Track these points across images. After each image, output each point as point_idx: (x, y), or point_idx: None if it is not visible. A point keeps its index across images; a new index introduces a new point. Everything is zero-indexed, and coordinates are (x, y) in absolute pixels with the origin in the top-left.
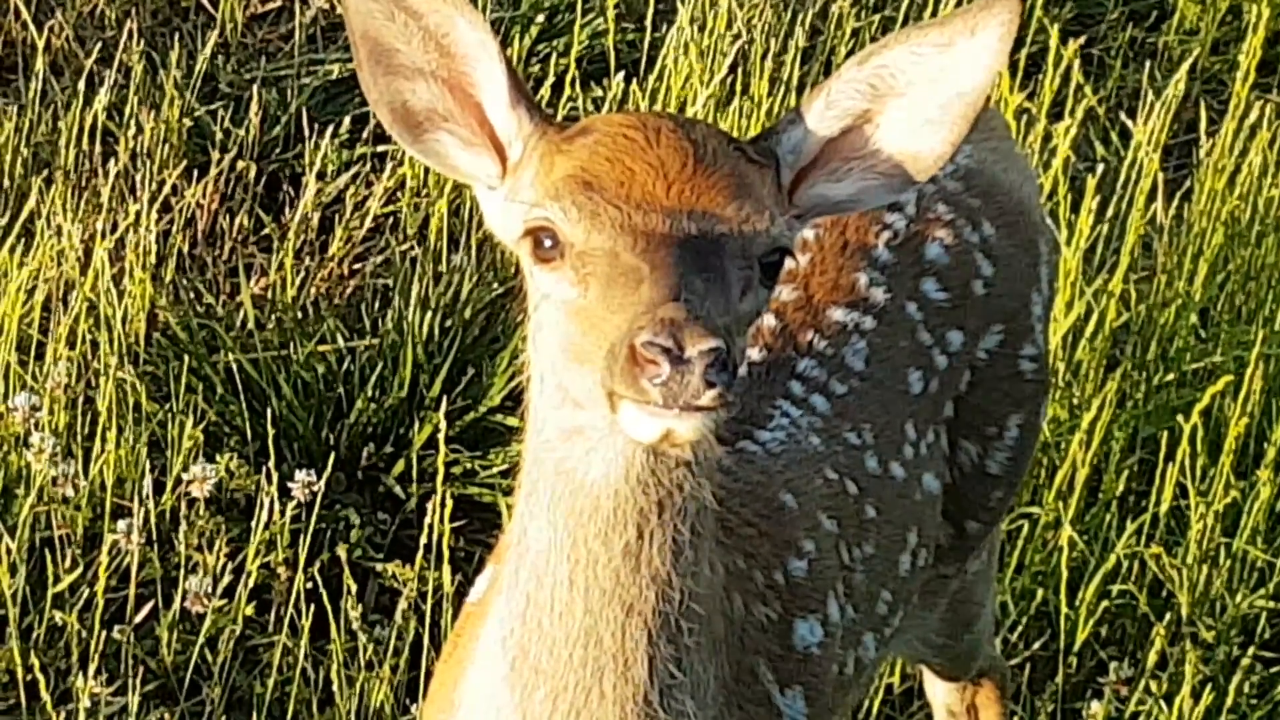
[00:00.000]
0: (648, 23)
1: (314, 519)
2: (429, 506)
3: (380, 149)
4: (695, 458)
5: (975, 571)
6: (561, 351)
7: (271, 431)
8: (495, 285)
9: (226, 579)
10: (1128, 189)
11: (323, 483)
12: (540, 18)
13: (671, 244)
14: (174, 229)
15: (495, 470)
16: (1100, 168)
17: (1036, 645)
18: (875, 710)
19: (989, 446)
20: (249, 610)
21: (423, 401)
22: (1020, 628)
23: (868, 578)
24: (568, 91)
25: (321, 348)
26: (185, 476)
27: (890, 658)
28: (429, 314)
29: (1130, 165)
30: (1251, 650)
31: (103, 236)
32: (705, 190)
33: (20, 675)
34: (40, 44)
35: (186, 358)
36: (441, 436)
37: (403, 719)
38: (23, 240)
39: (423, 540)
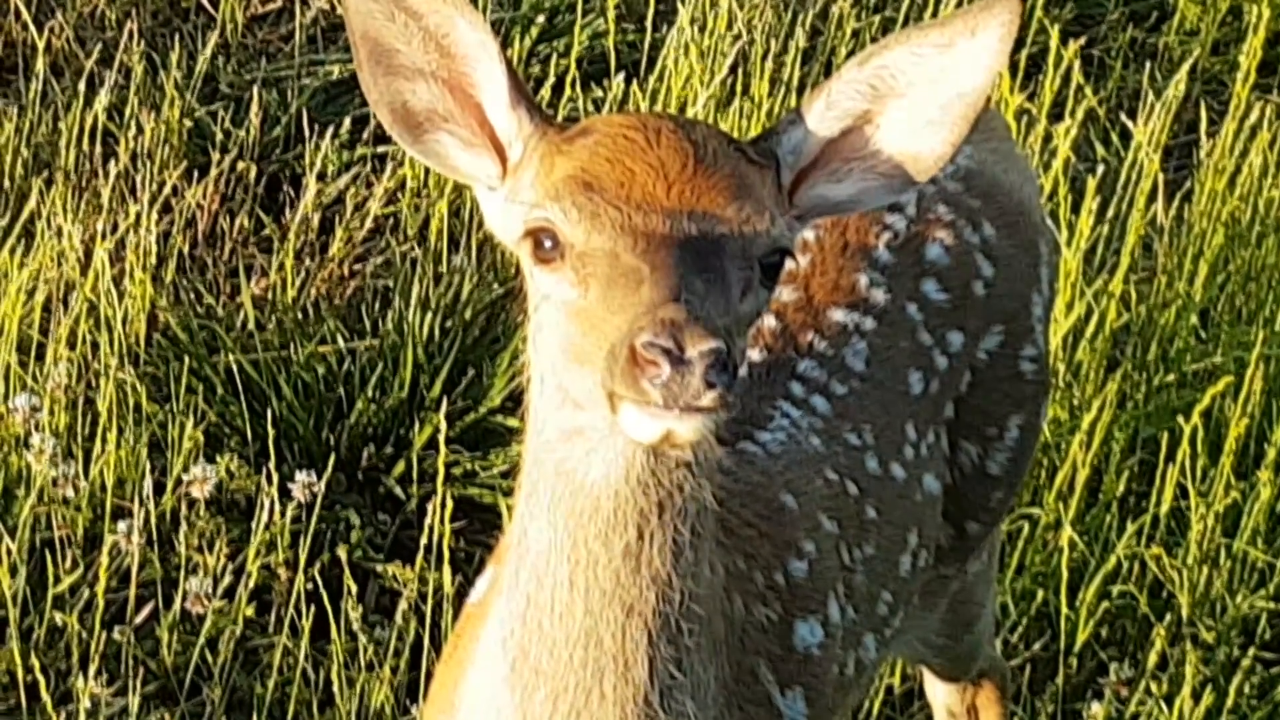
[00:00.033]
0: (648, 23)
1: (314, 520)
2: (429, 507)
3: (380, 150)
4: (695, 459)
5: (976, 572)
6: (562, 352)
7: (272, 432)
8: (495, 286)
9: (227, 580)
10: (1128, 190)
11: (323, 484)
12: (540, 18)
13: (672, 245)
14: (174, 230)
15: (496, 471)
16: (1100, 168)
17: (1037, 646)
18: (876, 711)
19: (989, 447)
20: (249, 611)
21: (423, 402)
22: (1020, 628)
23: (868, 578)
24: (568, 92)
25: (322, 349)
26: (185, 477)
27: (890, 658)
28: (429, 315)
29: (1130, 166)
30: (1252, 651)
31: (103, 237)
32: (706, 191)
33: (21, 676)
34: (41, 45)
35: (187, 358)
36: (442, 437)
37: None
38: (23, 241)
39: (423, 541)
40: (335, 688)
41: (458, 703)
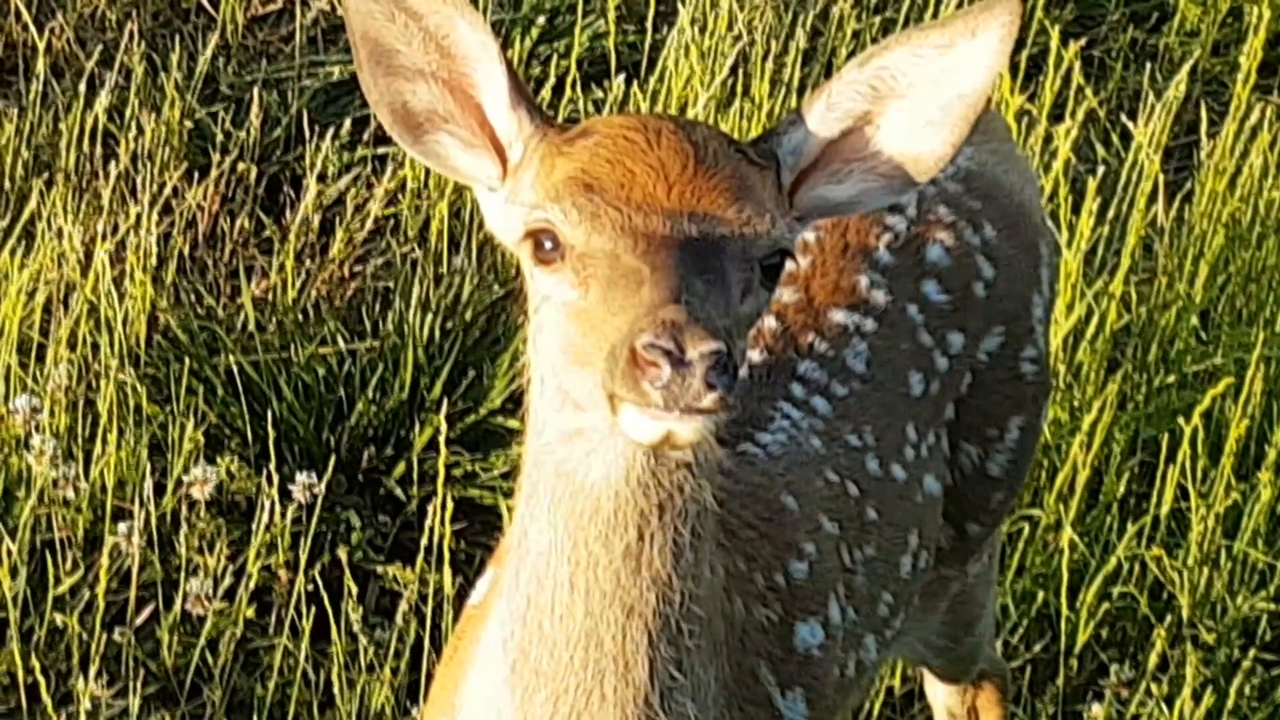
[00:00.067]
0: (648, 24)
1: (315, 521)
2: (430, 509)
3: (381, 151)
4: (696, 460)
5: (976, 574)
6: (562, 353)
7: (272, 434)
8: (496, 287)
9: (227, 581)
10: (1128, 191)
11: (323, 485)
12: (541, 19)
13: (672, 246)
14: (175, 231)
15: (496, 472)
16: (1101, 170)
17: (1037, 647)
18: (876, 712)
19: (990, 449)
20: (250, 612)
21: (423, 404)
22: (1021, 630)
23: (869, 580)
24: (568, 93)
25: (322, 350)
26: (186, 479)
27: (891, 660)
28: (430, 316)
29: (1131, 167)
30: (1252, 652)
31: (103, 238)
32: (706, 192)
33: (21, 678)
34: (41, 46)
35: (187, 360)
36: (442, 439)
37: None
38: (23, 242)
39: (423, 542)
40: (336, 689)
41: (458, 704)
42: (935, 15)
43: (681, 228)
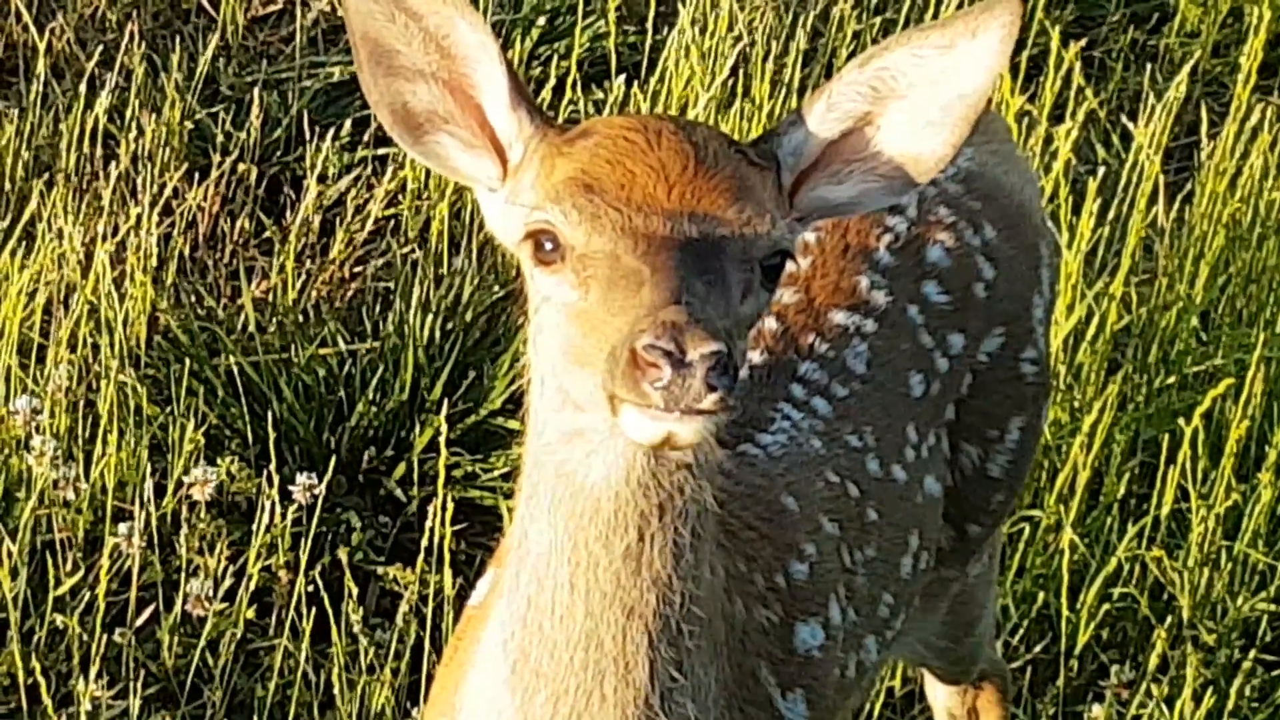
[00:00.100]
0: (649, 25)
1: (315, 522)
2: (430, 509)
3: (381, 152)
4: (696, 461)
5: (977, 574)
6: (562, 354)
7: (272, 434)
8: (496, 288)
9: (228, 582)
10: (1129, 192)
11: (324, 486)
12: (541, 20)
13: (672, 247)
14: (175, 232)
15: (496, 473)
16: (1101, 170)
17: (1038, 648)
18: (876, 713)
19: (990, 449)
20: (250, 613)
21: (424, 404)
22: (1021, 631)
23: (869, 580)
24: (569, 94)
25: (322, 351)
26: (186, 480)
27: (891, 661)
28: (430, 317)
29: (1131, 168)
30: (1253, 653)
31: (104, 239)
32: (706, 193)
33: (21, 679)
34: (41, 46)
35: (187, 361)
36: (442, 439)
37: None
38: (24, 243)
39: (424, 543)
40: (336, 690)
41: (458, 705)
42: (935, 15)
43: (682, 228)
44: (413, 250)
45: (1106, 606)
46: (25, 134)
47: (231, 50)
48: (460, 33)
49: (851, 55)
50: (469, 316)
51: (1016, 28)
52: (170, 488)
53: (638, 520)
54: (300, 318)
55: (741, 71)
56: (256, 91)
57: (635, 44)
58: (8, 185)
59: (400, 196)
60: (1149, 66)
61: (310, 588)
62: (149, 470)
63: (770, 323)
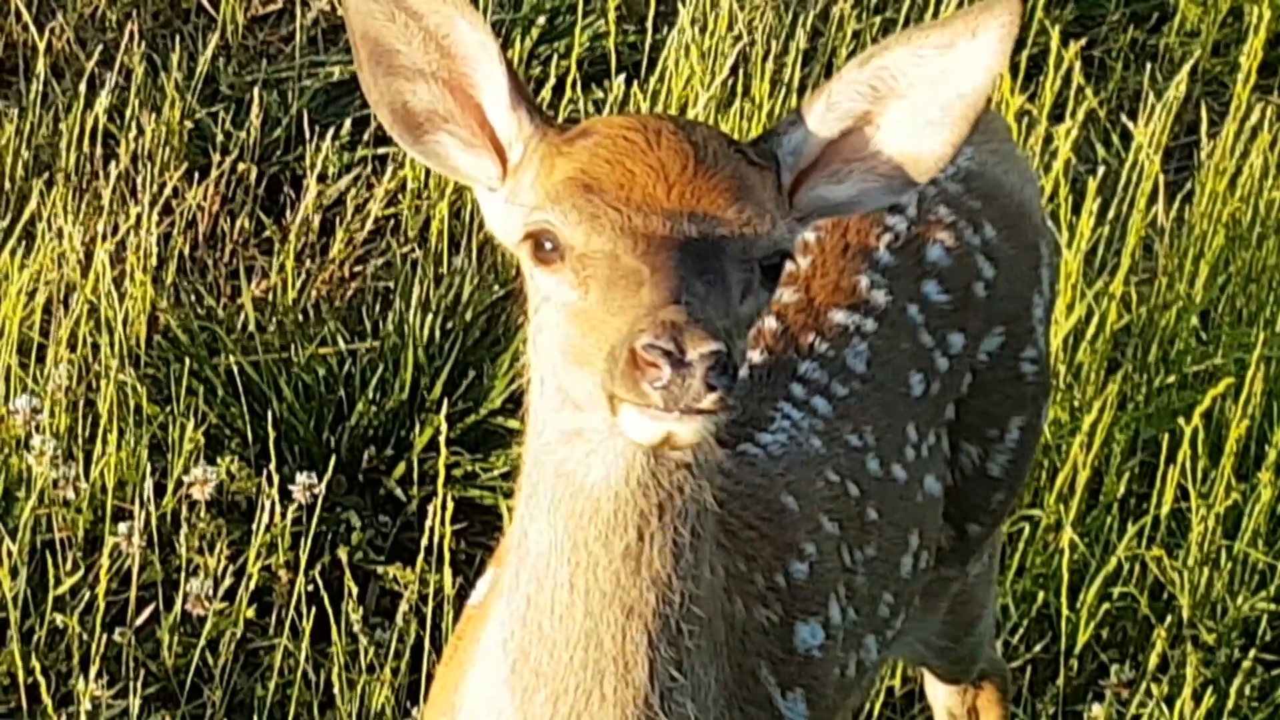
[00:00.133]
0: (649, 25)
1: (315, 522)
2: (430, 509)
3: (381, 151)
4: (696, 460)
5: (977, 574)
6: (562, 354)
7: (272, 434)
8: (496, 288)
9: (227, 582)
10: (1129, 191)
11: (324, 485)
12: (541, 19)
13: (672, 246)
14: (175, 231)
15: (496, 473)
16: (1101, 170)
17: (1038, 648)
18: (877, 713)
19: (990, 449)
20: (250, 613)
21: (423, 404)
22: (1021, 630)
23: (869, 580)
24: (568, 93)
25: (322, 350)
26: (186, 479)
27: (891, 660)
28: (430, 316)
29: (1131, 167)
30: (1253, 653)
31: (104, 239)
32: (706, 192)
33: (21, 678)
34: (41, 46)
35: (187, 360)
36: (442, 439)
37: None
38: (24, 243)
39: (424, 543)
40: (336, 689)
41: (458, 704)
42: (935, 15)
43: (681, 228)
44: (412, 250)
45: (1106, 606)
46: (25, 133)
47: (231, 50)
48: (460, 32)
49: (851, 55)
50: (469, 316)
51: (1016, 27)
52: (170, 487)
53: (637, 520)
54: (300, 317)
55: (741, 71)
56: (256, 91)
57: (635, 43)
58: (8, 185)
59: (400, 196)
60: (1149, 66)
61: (310, 587)
62: (149, 470)
63: (770, 322)
